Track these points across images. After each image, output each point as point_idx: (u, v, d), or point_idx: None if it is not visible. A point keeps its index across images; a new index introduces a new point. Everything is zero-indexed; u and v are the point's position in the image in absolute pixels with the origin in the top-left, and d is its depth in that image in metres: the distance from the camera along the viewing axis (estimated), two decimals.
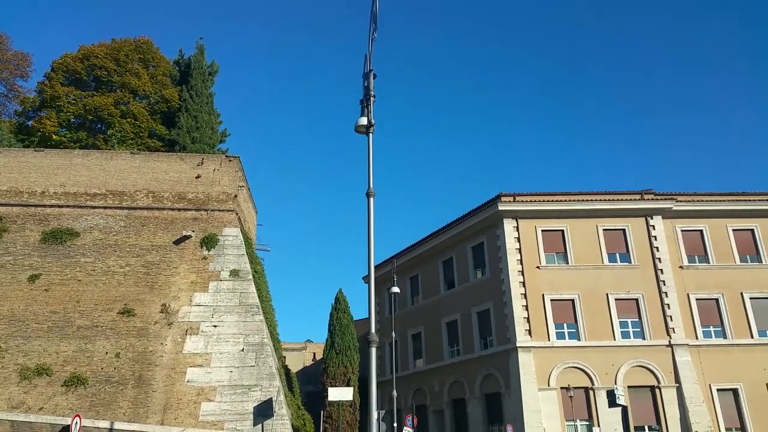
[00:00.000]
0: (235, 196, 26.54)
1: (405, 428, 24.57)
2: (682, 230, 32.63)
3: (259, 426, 23.11)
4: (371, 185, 11.11)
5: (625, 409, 28.16)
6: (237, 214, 26.77)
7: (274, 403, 22.96)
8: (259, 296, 25.75)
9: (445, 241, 36.77)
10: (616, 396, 27.58)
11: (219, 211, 26.12)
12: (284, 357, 35.51)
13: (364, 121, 11.37)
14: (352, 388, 26.01)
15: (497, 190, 37.77)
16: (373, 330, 10.35)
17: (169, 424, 22.89)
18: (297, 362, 67.36)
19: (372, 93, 11.51)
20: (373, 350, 10.28)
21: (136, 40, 37.06)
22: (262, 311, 25.64)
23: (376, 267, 44.00)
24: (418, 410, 37.81)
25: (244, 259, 25.82)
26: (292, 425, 24.10)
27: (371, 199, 11.08)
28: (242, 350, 24.84)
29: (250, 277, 25.76)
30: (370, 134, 11.42)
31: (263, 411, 23.45)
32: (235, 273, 25.62)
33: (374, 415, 10.01)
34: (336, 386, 25.82)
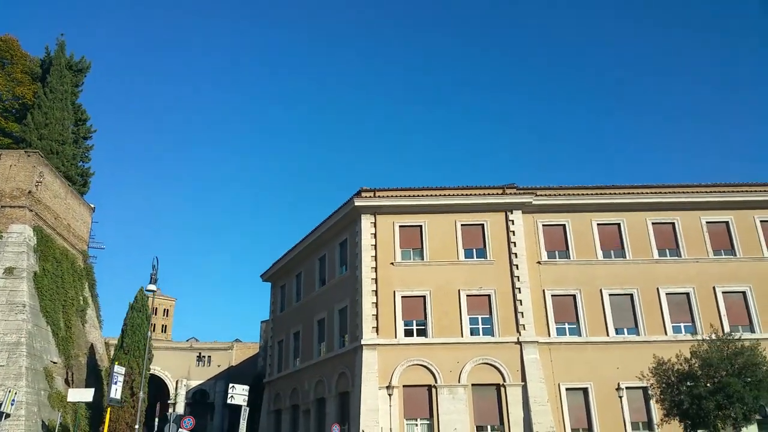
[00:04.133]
0: (29, 192, 25.74)
1: (180, 430, 23.79)
2: (543, 225, 31.88)
3: None
4: None
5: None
6: (33, 210, 26.00)
7: (3, 404, 21.81)
8: (52, 295, 24.98)
9: (317, 239, 36.09)
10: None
11: (10, 207, 25.30)
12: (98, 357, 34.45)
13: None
14: (93, 390, 25.12)
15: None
16: None
17: None
18: (224, 361, 66.89)
19: None
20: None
21: None
22: (39, 310, 24.69)
23: (273, 264, 43.30)
24: (293, 409, 37.15)
25: (24, 256, 25.03)
26: (47, 425, 23.02)
27: None
28: None
29: (24, 275, 24.90)
30: None
31: None
32: (9, 271, 24.77)
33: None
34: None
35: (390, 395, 27.65)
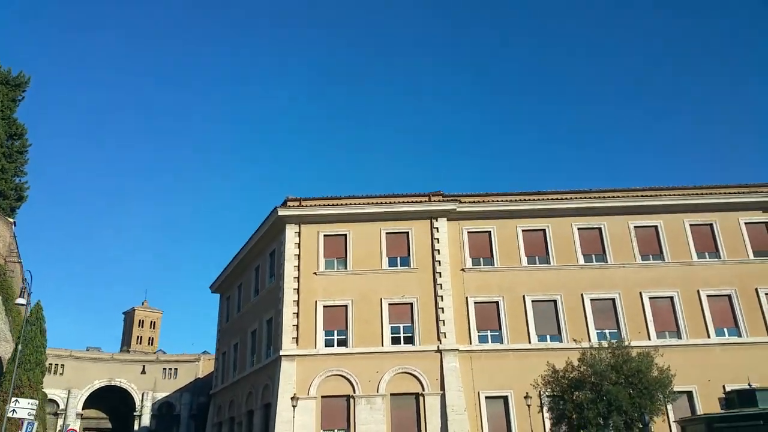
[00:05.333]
0: None
1: None
2: (469, 232, 31.67)
3: None
4: None
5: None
6: None
7: None
8: None
9: (252, 249, 35.92)
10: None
11: None
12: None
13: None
14: None
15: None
16: None
17: None
18: (191, 373, 66.47)
19: None
20: None
21: None
22: None
23: (219, 275, 42.88)
24: (230, 422, 36.82)
25: None
26: None
27: None
28: None
29: None
30: None
31: None
32: None
33: None
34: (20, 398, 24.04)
35: (307, 406, 27.38)
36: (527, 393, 25.82)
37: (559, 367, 23.00)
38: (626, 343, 23.09)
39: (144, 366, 66.53)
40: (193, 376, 65.70)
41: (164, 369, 67.24)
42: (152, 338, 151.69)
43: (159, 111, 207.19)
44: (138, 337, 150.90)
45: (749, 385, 22.37)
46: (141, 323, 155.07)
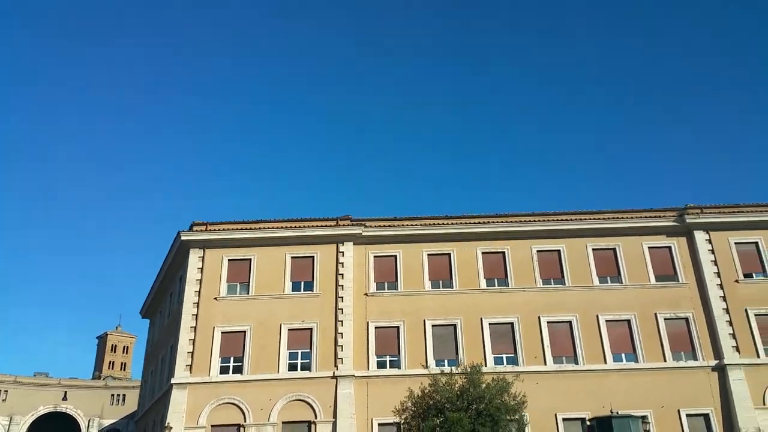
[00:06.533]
0: None
1: None
2: (375, 256, 31.61)
3: None
4: None
5: None
6: None
7: None
8: None
9: (166, 274, 35.67)
10: None
11: None
12: None
13: None
14: None
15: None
16: None
17: None
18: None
19: None
20: None
21: None
22: None
23: (146, 299, 42.44)
24: None
25: None
26: None
27: None
28: None
29: None
30: None
31: None
32: None
33: None
34: None
35: None
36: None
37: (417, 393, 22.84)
38: (482, 368, 22.96)
39: (91, 392, 65.71)
40: None
41: (112, 395, 66.40)
42: (125, 363, 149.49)
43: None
44: (110, 362, 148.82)
45: (611, 412, 22.25)
46: (114, 348, 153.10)
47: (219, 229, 31.84)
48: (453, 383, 21.62)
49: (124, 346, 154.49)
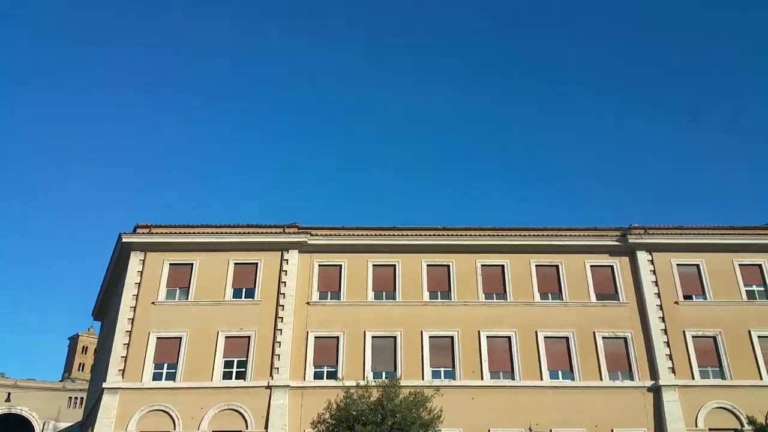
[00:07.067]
0: None
1: None
2: (320, 265, 31.43)
3: None
4: None
5: None
6: None
7: None
8: None
9: (112, 274, 35.14)
10: None
11: None
12: None
13: None
14: None
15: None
16: None
17: None
18: None
19: None
20: None
21: None
22: None
23: (96, 301, 41.51)
24: None
25: None
26: None
27: None
28: None
29: None
30: None
31: None
32: None
33: None
34: None
35: None
36: None
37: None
38: (401, 382, 22.85)
39: (48, 394, 64.64)
40: None
41: (70, 398, 65.32)
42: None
43: None
44: (80, 364, 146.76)
45: (529, 429, 22.20)
46: (85, 350, 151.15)
47: (162, 232, 31.51)
48: (368, 396, 21.46)
49: (95, 348, 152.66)
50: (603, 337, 29.73)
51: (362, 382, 24.31)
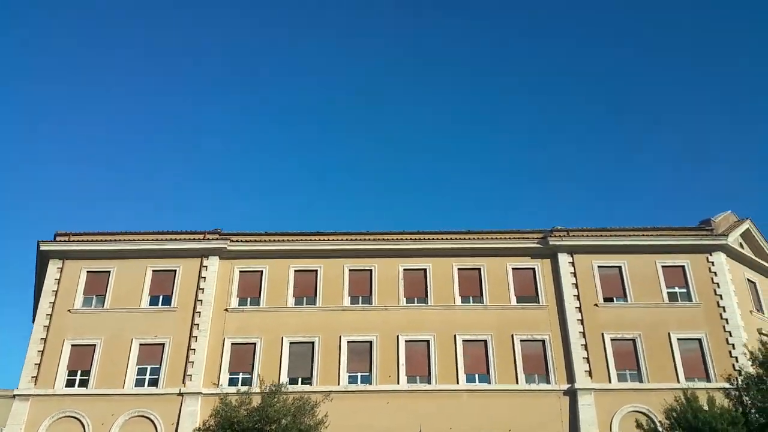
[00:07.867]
0: None
1: None
2: (240, 271, 31.27)
3: None
4: None
5: None
6: None
7: None
8: None
9: (37, 282, 34.94)
10: None
11: None
12: None
13: None
14: None
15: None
16: None
17: None
18: None
19: None
20: None
21: None
22: None
23: (34, 305, 41.24)
24: None
25: None
26: None
27: None
28: None
29: None
30: None
31: None
32: None
33: None
34: None
35: None
36: None
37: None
38: (284, 388, 22.76)
39: None
40: None
41: None
42: None
43: None
44: None
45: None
46: None
47: (81, 240, 31.36)
48: (248, 402, 21.32)
49: None
50: (521, 340, 29.58)
51: (221, 389, 24.20)
